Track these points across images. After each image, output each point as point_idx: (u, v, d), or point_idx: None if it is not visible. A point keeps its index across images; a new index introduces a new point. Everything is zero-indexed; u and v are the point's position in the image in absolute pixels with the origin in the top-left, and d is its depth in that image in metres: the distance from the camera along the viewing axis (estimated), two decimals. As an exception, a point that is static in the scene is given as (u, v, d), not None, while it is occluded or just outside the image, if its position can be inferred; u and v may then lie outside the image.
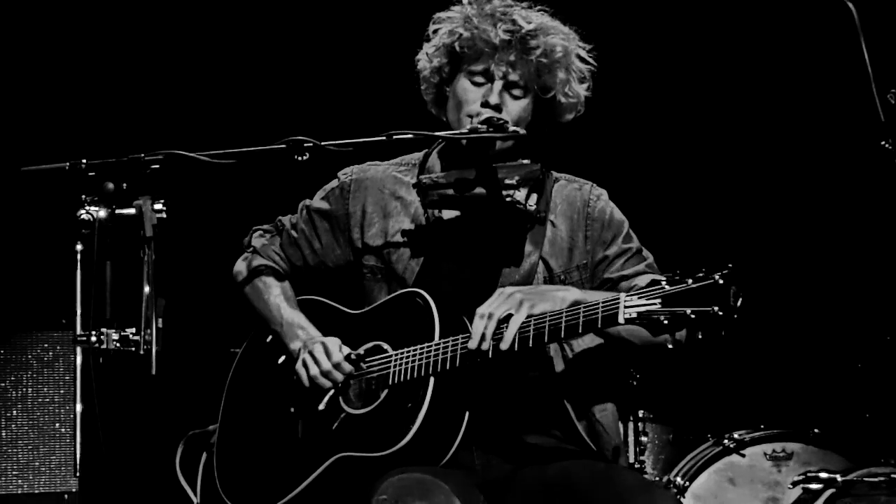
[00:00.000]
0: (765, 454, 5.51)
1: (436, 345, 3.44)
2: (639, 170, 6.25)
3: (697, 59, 6.27)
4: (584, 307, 3.27)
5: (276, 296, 3.84)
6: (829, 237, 6.30)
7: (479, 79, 3.64)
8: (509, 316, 3.36)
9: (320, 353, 3.61)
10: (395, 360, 3.51)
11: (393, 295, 3.65)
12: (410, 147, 3.80)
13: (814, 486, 4.90)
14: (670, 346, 3.23)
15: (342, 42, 6.12)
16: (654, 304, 3.12)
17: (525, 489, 3.49)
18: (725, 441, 5.52)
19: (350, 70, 6.08)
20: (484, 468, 3.55)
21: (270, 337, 3.82)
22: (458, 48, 3.65)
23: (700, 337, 3.08)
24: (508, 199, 3.59)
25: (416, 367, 3.45)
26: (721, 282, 3.05)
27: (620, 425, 5.66)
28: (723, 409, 6.11)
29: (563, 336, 3.34)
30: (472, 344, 3.37)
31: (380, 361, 3.56)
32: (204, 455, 3.88)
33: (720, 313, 3.04)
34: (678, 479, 5.48)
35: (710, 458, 5.51)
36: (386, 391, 3.51)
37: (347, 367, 3.58)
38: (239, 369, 3.91)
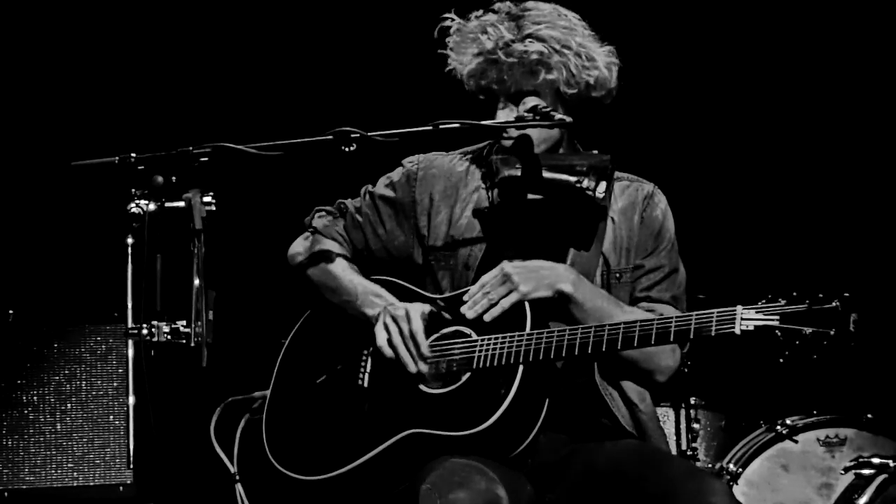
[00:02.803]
0: (818, 440, 5.47)
1: (528, 335, 3.46)
2: (741, 191, 6.28)
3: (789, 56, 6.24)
4: (697, 315, 3.32)
5: (345, 269, 3.81)
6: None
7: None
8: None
9: (402, 319, 3.59)
10: (481, 346, 3.51)
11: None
12: (461, 136, 3.80)
13: (866, 471, 4.88)
14: (781, 361, 3.29)
15: (388, 31, 6.13)
16: (773, 319, 3.23)
17: (574, 475, 3.49)
18: (778, 427, 5.48)
19: (397, 59, 6.08)
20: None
21: (334, 309, 3.80)
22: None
23: (814, 357, 3.20)
24: (578, 185, 3.61)
25: (505, 355, 3.46)
26: (840, 308, 3.18)
27: (672, 412, 5.77)
28: (775, 395, 6.07)
29: (671, 340, 3.37)
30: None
31: (463, 345, 3.56)
32: (242, 420, 3.87)
33: (835, 336, 3.17)
34: (731, 465, 5.46)
35: (763, 445, 5.48)
36: (468, 374, 3.51)
37: (423, 339, 3.57)
38: (297, 338, 3.88)
